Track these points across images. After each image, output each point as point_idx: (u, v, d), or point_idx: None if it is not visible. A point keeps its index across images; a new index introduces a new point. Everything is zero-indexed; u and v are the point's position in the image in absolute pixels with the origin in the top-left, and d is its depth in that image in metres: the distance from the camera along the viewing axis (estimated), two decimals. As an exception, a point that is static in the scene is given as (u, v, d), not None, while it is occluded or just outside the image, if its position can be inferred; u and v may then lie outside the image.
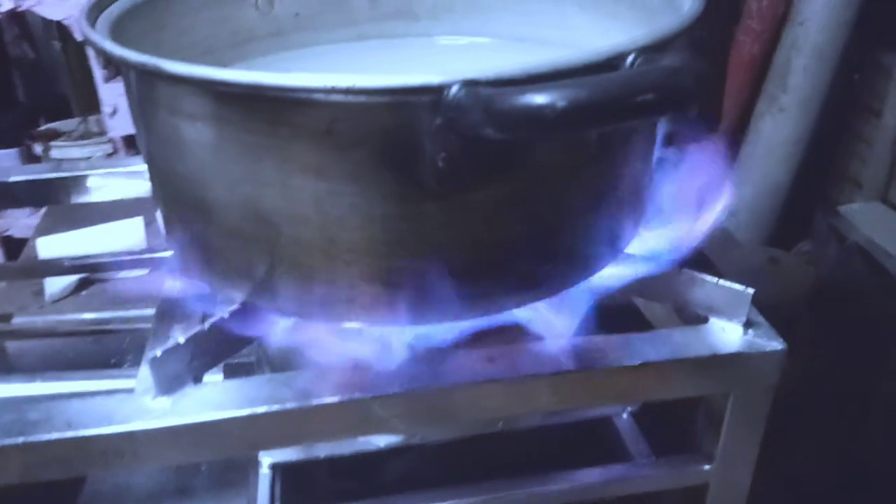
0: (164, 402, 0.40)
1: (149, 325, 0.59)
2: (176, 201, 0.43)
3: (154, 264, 0.69)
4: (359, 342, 0.42)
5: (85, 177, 0.63)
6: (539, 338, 0.43)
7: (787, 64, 1.35)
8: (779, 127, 1.39)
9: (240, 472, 0.60)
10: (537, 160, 0.37)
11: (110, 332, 0.63)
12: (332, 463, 0.50)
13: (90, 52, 1.50)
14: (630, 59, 0.34)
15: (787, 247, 1.38)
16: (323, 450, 0.50)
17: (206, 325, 0.41)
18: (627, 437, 0.52)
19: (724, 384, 0.44)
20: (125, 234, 0.86)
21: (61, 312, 0.81)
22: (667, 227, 0.47)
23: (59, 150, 1.59)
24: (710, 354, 0.42)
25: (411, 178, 0.36)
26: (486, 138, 0.31)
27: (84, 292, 0.84)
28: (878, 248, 1.13)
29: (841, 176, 1.40)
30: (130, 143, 1.55)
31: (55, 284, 0.83)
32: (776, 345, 0.43)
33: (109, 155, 1.57)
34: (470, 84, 0.31)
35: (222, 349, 0.42)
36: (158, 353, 0.39)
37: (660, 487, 0.48)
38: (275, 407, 0.39)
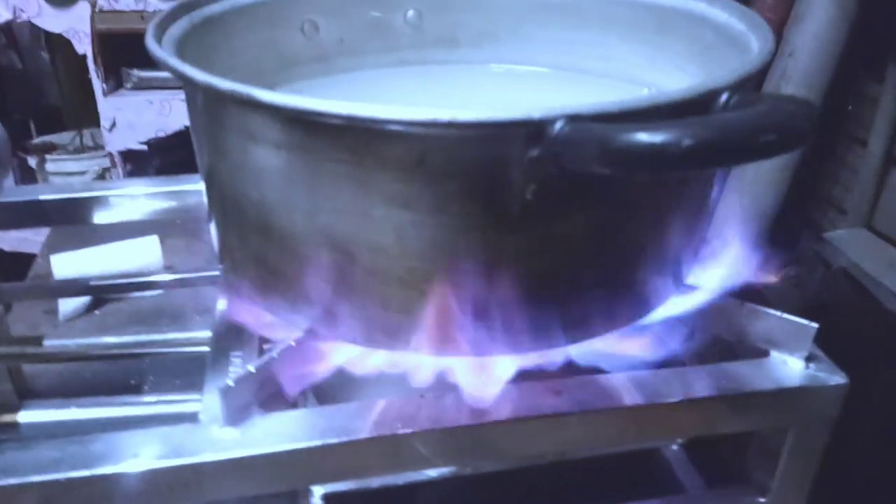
0: (233, 432, 0.39)
1: (169, 349, 0.59)
2: (241, 226, 0.42)
3: (175, 285, 0.68)
4: (427, 373, 0.41)
5: (105, 197, 0.62)
6: (601, 371, 0.43)
7: (776, 92, 1.38)
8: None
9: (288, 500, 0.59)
10: (617, 194, 0.38)
11: (130, 355, 0.62)
12: (382, 492, 0.50)
13: (91, 65, 1.48)
14: (724, 97, 0.34)
15: (774, 272, 1.40)
16: (375, 480, 0.49)
17: (276, 352, 0.40)
18: (678, 468, 0.52)
19: (787, 418, 0.44)
20: (142, 253, 0.84)
21: (76, 332, 0.79)
22: (724, 258, 0.47)
23: (54, 164, 1.57)
24: (774, 388, 0.43)
25: (496, 209, 0.36)
26: (591, 173, 0.31)
27: (98, 311, 0.82)
28: (864, 273, 1.15)
29: (826, 202, 1.43)
30: (128, 157, 1.53)
31: (69, 303, 0.81)
32: (839, 379, 0.43)
33: (106, 170, 1.55)
34: (575, 119, 0.31)
35: (289, 380, 0.41)
36: (231, 382, 0.38)
37: (714, 521, 0.48)
38: (348, 438, 0.38)
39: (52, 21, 1.45)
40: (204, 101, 0.40)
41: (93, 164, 1.57)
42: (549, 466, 0.51)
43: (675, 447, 0.54)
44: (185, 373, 0.66)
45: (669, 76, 0.55)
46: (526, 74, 0.62)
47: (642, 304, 0.43)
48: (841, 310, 1.13)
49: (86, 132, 1.65)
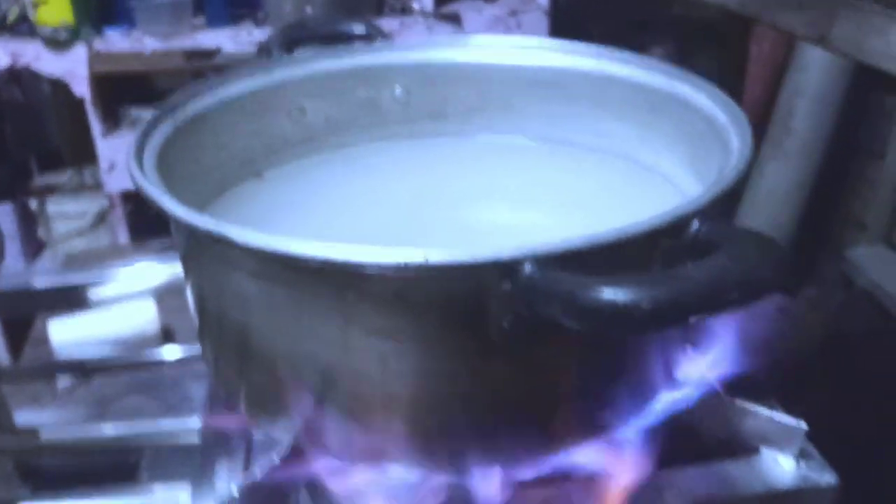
0: (220, 557, 0.39)
1: (163, 442, 0.59)
2: (224, 340, 0.42)
3: (173, 365, 0.68)
4: (412, 489, 0.41)
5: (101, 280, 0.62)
6: (592, 476, 0.43)
7: (790, 108, 1.36)
8: (783, 171, 1.40)
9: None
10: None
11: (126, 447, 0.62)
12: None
13: (89, 108, 1.49)
14: (695, 225, 0.34)
15: (792, 292, 1.38)
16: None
17: (259, 473, 0.40)
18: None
19: (779, 519, 0.44)
20: (138, 316, 0.85)
21: (75, 400, 0.79)
22: (714, 349, 0.47)
23: (54, 206, 1.58)
24: (765, 491, 0.42)
25: (475, 336, 0.35)
26: (559, 324, 0.31)
27: (97, 381, 0.82)
28: (885, 294, 1.14)
29: (845, 218, 1.41)
30: (127, 199, 1.54)
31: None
32: (829, 479, 0.43)
33: (106, 211, 1.56)
34: (542, 263, 0.31)
35: (273, 495, 0.41)
36: (215, 509, 0.38)
37: None
38: (333, 562, 0.38)
39: (50, 65, 1.46)
40: (184, 231, 0.40)
41: (93, 205, 1.58)
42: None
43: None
44: (182, 450, 0.66)
45: (659, 155, 0.55)
46: (516, 147, 0.62)
47: (631, 410, 0.42)
48: (863, 335, 1.11)
49: (86, 171, 1.66)
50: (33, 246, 1.68)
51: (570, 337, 0.37)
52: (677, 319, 0.29)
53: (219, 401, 0.48)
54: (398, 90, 0.61)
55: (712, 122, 0.47)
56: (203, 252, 0.39)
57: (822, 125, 1.39)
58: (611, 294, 0.28)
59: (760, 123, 1.44)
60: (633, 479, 0.42)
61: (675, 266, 0.35)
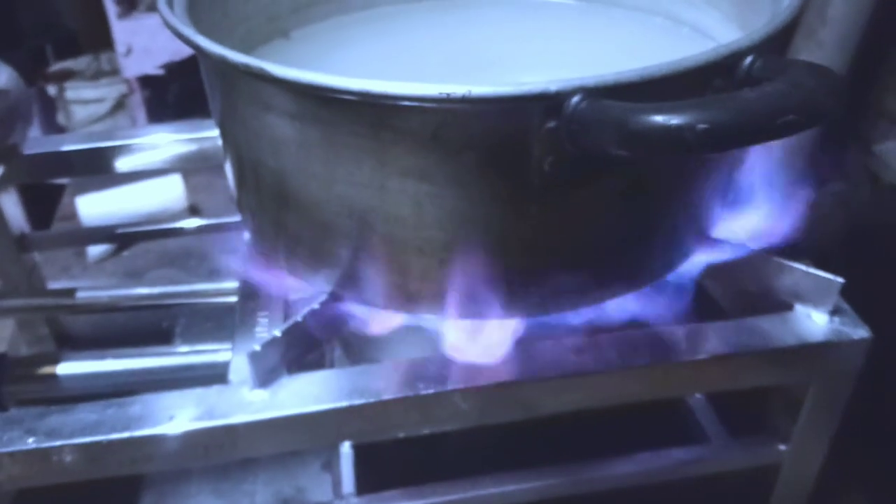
0: (262, 394, 0.40)
1: (197, 300, 0.60)
2: (261, 191, 0.42)
3: (200, 231, 0.69)
4: (448, 335, 0.42)
5: (127, 146, 0.62)
6: (626, 327, 0.43)
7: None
8: (816, 62, 1.35)
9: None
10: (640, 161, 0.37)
11: (161, 306, 0.63)
12: (407, 442, 0.51)
13: (101, -13, 1.44)
14: (748, 60, 0.33)
15: (818, 187, 1.36)
16: (401, 429, 0.50)
17: (300, 316, 0.41)
18: (702, 417, 0.53)
19: (809, 373, 0.44)
20: (165, 192, 0.85)
21: (106, 273, 0.81)
22: (752, 212, 0.46)
23: (73, 91, 1.56)
24: (797, 344, 0.42)
25: (514, 180, 0.35)
26: (608, 154, 0.30)
27: (126, 252, 0.83)
28: None
29: (876, 112, 1.37)
30: (146, 83, 1.52)
31: (97, 246, 0.82)
32: (862, 332, 0.43)
33: (125, 96, 1.54)
34: (592, 94, 0.30)
35: (314, 341, 0.42)
36: (258, 347, 0.39)
37: (734, 468, 0.49)
38: (373, 399, 0.39)
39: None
40: (217, 70, 0.39)
41: (111, 90, 1.55)
42: (574, 415, 0.52)
43: (698, 396, 0.54)
44: (215, 316, 0.68)
45: (702, 12, 0.52)
46: (552, 5, 0.59)
47: (667, 263, 0.42)
48: (890, 230, 1.10)
49: (103, 56, 1.63)
50: (53, 132, 1.67)
51: (610, 181, 0.36)
52: (733, 142, 0.29)
53: (256, 261, 0.48)
54: (429, -53, 0.58)
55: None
56: (239, 96, 0.38)
57: (859, 14, 1.33)
58: (663, 117, 0.27)
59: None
60: (670, 328, 0.43)
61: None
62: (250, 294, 0.47)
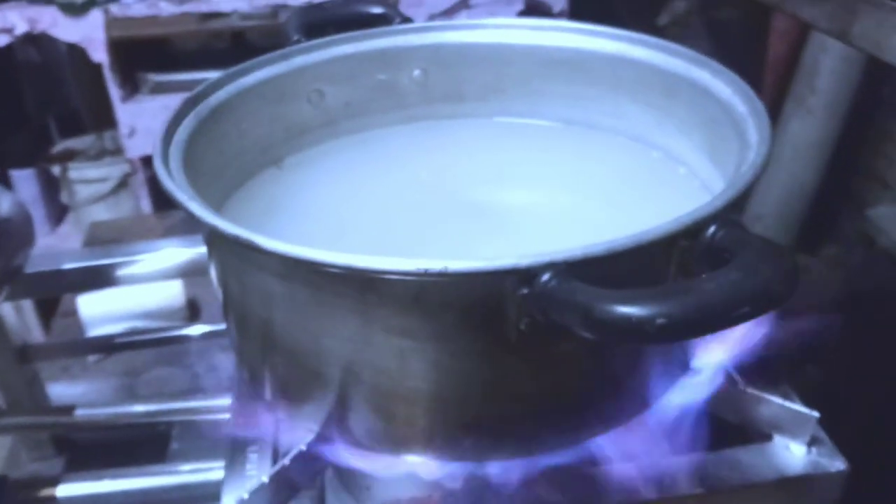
0: (251, 540, 0.41)
1: (193, 417, 0.61)
2: (254, 338, 0.43)
3: (200, 338, 0.70)
4: (431, 477, 0.43)
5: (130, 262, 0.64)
6: (605, 463, 0.44)
7: (814, 65, 1.34)
8: (806, 128, 1.38)
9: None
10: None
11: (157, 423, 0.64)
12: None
13: (107, 73, 1.49)
14: (712, 229, 0.35)
15: (812, 251, 1.37)
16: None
17: (288, 459, 0.42)
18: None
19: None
20: (164, 292, 0.87)
21: (105, 373, 0.82)
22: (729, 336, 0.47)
23: (76, 171, 1.59)
24: (776, 478, 0.43)
25: (492, 337, 0.36)
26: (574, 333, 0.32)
27: (125, 352, 0.84)
28: None
29: (867, 176, 1.39)
30: (148, 163, 1.55)
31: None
32: (839, 465, 0.44)
33: (128, 175, 1.57)
34: (561, 272, 0.32)
35: (299, 483, 0.43)
36: (246, 495, 0.40)
37: None
38: (358, 546, 0.40)
39: (67, 31, 1.46)
40: (211, 234, 0.41)
41: (114, 170, 1.59)
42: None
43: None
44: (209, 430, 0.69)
45: (675, 140, 0.55)
46: (533, 129, 0.62)
47: (646, 401, 0.44)
48: (884, 294, 1.11)
49: (106, 135, 1.67)
50: (56, 210, 1.70)
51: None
52: (689, 335, 0.30)
53: (246, 396, 0.49)
54: (416, 72, 0.61)
55: (730, 110, 0.47)
56: (228, 253, 0.40)
57: (847, 83, 1.36)
58: (625, 309, 0.29)
59: (784, 80, 1.41)
60: (647, 466, 0.44)
61: (689, 268, 0.35)
62: (241, 423, 0.48)
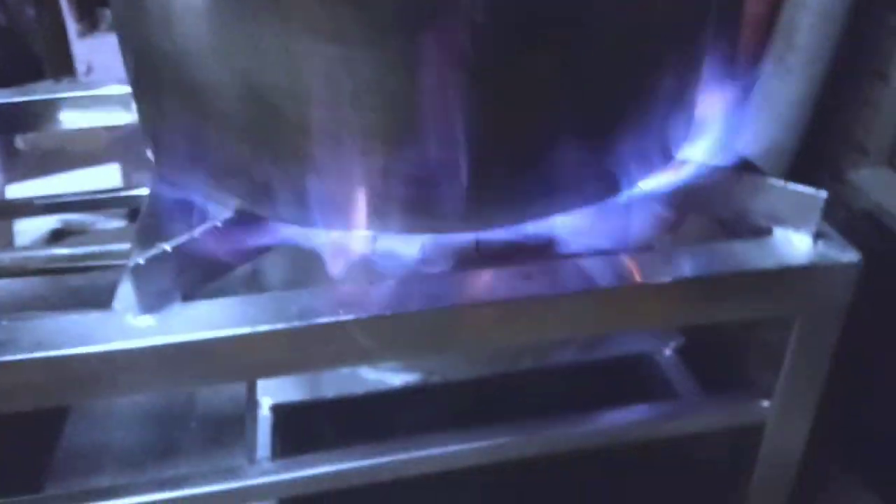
0: (148, 320, 0.33)
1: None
2: (157, 87, 0.37)
3: (133, 203, 0.63)
4: (371, 254, 0.36)
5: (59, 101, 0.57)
6: (579, 254, 0.38)
7: (792, 23, 1.30)
8: (785, 88, 1.34)
9: (235, 426, 0.55)
10: (590, 33, 0.32)
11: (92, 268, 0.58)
12: (340, 405, 0.45)
13: (64, 7, 1.42)
14: None
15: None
16: (330, 389, 0.44)
17: (197, 232, 0.35)
18: (672, 374, 0.47)
19: (791, 303, 0.38)
20: (101, 180, 0.79)
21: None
22: (718, 126, 0.41)
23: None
24: (776, 267, 0.37)
25: (448, 43, 0.30)
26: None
27: (58, 248, 0.77)
28: (887, 214, 1.09)
29: (846, 142, 1.35)
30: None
31: (26, 235, 0.76)
32: (851, 256, 0.38)
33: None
34: None
35: (214, 264, 0.36)
36: (142, 260, 0.33)
37: (711, 427, 0.43)
38: (275, 326, 0.33)
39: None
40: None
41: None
42: (528, 374, 0.45)
43: (668, 352, 0.48)
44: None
45: None
46: None
47: (621, 176, 0.37)
48: (865, 256, 1.06)
49: (64, 80, 1.59)
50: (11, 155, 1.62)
51: (551, 55, 0.31)
52: None
53: (160, 173, 0.42)
54: None
55: None
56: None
57: (827, 40, 1.33)
58: None
59: (763, 39, 1.38)
60: (632, 252, 0.37)
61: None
62: (153, 225, 0.40)
